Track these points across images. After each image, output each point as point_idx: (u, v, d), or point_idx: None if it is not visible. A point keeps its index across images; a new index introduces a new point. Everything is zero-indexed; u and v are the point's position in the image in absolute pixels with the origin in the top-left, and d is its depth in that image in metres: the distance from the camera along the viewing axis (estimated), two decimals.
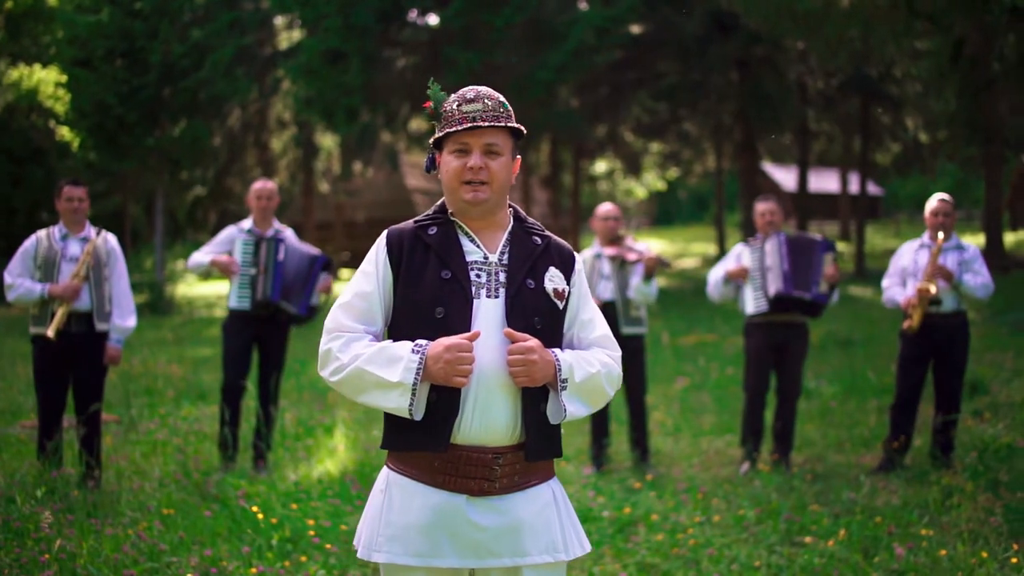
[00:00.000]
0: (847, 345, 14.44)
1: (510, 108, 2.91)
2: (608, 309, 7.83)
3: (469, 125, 2.81)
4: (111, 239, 6.95)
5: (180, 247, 32.00)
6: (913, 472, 7.33)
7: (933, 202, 7.67)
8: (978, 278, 7.46)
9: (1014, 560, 5.12)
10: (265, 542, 5.33)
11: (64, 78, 24.95)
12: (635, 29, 28.41)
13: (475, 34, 22.02)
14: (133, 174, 28.33)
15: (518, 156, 2.98)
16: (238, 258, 7.61)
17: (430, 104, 2.94)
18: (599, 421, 8.02)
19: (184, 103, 24.19)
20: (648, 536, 5.88)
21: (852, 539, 5.67)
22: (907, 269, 7.69)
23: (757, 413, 7.85)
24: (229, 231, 7.84)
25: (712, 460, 8.29)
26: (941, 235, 7.46)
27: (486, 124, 2.81)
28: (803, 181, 31.81)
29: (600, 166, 42.68)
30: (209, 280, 26.58)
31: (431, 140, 2.94)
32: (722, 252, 31.64)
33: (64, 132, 26.63)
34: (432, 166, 2.99)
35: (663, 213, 64.36)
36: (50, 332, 6.47)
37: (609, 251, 7.97)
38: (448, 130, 2.84)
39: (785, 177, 51.29)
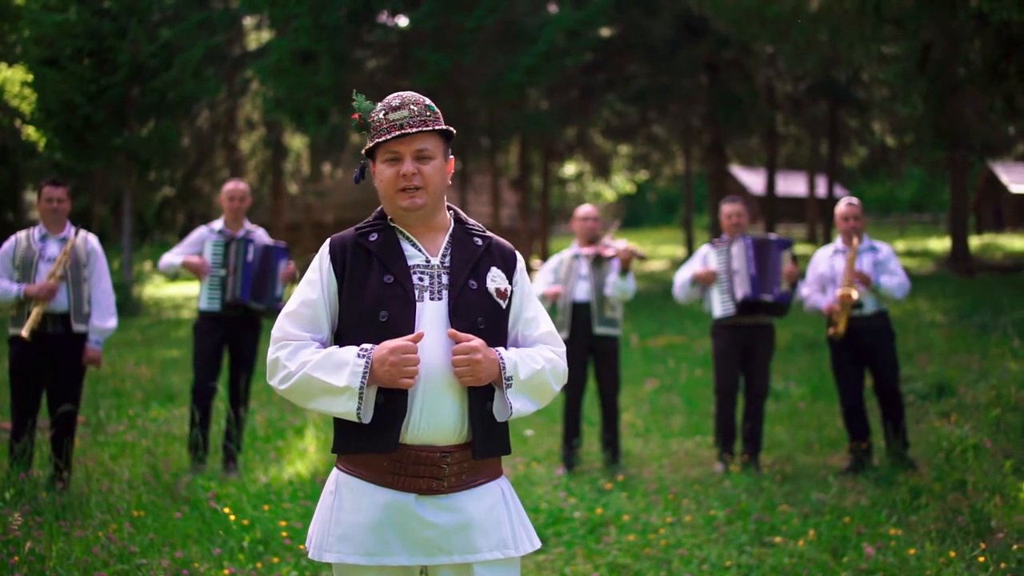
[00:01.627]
0: (814, 347, 14.52)
1: (437, 111, 2.94)
2: (583, 310, 7.87)
3: (397, 133, 2.84)
4: (92, 239, 6.90)
5: (148, 248, 31.83)
6: (881, 473, 7.40)
7: (842, 206, 7.83)
8: (894, 278, 7.63)
9: (981, 559, 5.18)
10: (236, 544, 5.31)
11: (30, 77, 24.63)
12: (605, 32, 28.48)
13: (445, 36, 21.99)
14: (100, 174, 28.11)
15: (451, 157, 3.01)
16: (208, 259, 7.59)
17: (357, 116, 2.96)
18: (570, 422, 8.05)
19: (152, 103, 23.98)
20: (619, 537, 5.91)
21: (821, 539, 5.72)
22: (825, 275, 7.85)
23: (728, 414, 7.90)
24: (200, 232, 7.81)
25: (682, 461, 8.33)
26: (856, 240, 7.61)
27: (414, 130, 2.85)
28: (771, 184, 32.03)
29: (569, 168, 42.74)
30: (177, 281, 26.41)
31: (363, 151, 2.97)
32: (690, 254, 31.79)
33: (30, 132, 26.32)
34: (362, 176, 3.02)
35: (632, 215, 64.55)
36: (24, 332, 6.41)
37: (586, 250, 8.01)
38: (378, 140, 2.87)
39: (753, 180, 51.59)
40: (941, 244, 32.71)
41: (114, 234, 33.83)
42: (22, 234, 6.76)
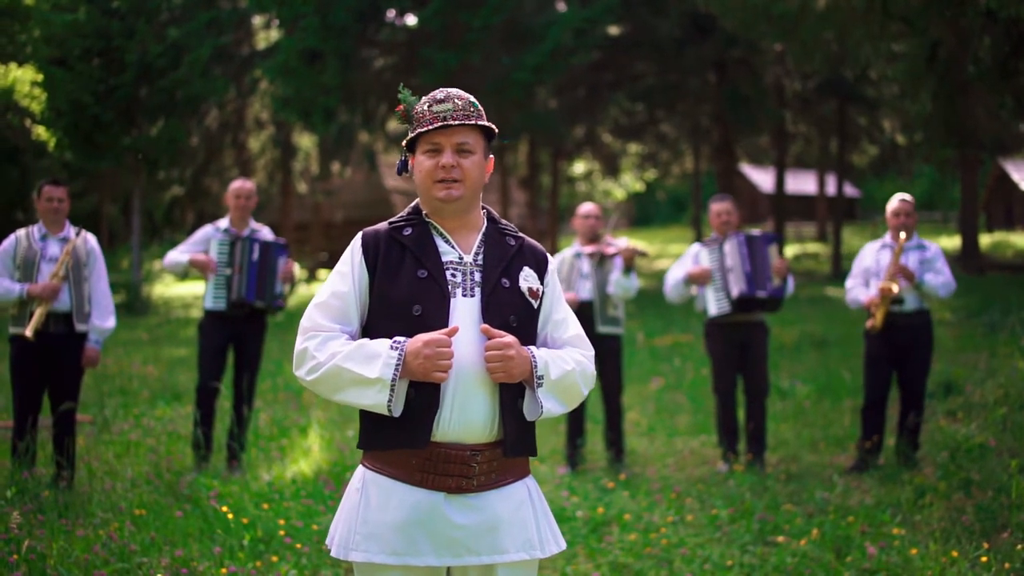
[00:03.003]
0: (822, 345, 14.50)
1: (481, 108, 2.93)
2: (585, 309, 7.85)
3: (440, 124, 2.83)
4: (91, 239, 6.91)
5: (157, 247, 31.81)
6: (886, 472, 7.37)
7: (894, 202, 7.75)
8: (939, 277, 7.54)
9: (984, 559, 5.15)
10: (237, 542, 5.30)
11: (40, 77, 24.72)
12: (612, 30, 28.46)
13: (452, 35, 21.98)
14: (110, 174, 28.16)
15: (491, 155, 3.00)
16: (214, 257, 7.58)
17: (402, 107, 2.96)
18: (574, 421, 8.03)
19: (161, 103, 24.03)
20: (621, 536, 5.89)
21: (825, 538, 5.70)
22: (870, 269, 7.76)
23: (729, 413, 7.87)
24: (205, 230, 7.81)
25: (686, 460, 8.31)
26: (903, 235, 7.54)
27: (456, 123, 2.84)
28: (780, 182, 31.94)
29: (578, 167, 42.71)
30: (186, 280, 26.46)
31: (404, 142, 2.96)
32: None
33: (40, 131, 26.40)
34: (404, 168, 3.00)
35: (641, 214, 64.49)
36: (28, 332, 6.43)
37: (588, 249, 7.99)
38: (420, 130, 2.86)
39: (763, 178, 51.53)
40: (951, 242, 32.59)
41: (124, 233, 33.96)
42: (21, 233, 6.77)
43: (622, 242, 7.95)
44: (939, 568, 5.08)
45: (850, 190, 49.82)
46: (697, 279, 7.83)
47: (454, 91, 2.91)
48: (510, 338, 2.77)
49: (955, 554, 5.21)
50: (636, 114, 32.67)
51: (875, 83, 28.63)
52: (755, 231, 8.12)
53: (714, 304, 7.79)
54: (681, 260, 8.12)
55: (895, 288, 7.39)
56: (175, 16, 25.10)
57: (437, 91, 2.92)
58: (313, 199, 36.87)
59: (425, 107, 2.88)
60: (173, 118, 24.37)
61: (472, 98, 2.92)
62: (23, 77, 28.47)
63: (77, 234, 6.80)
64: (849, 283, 7.90)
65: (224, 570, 4.85)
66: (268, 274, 7.63)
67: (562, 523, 6.10)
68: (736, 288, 7.65)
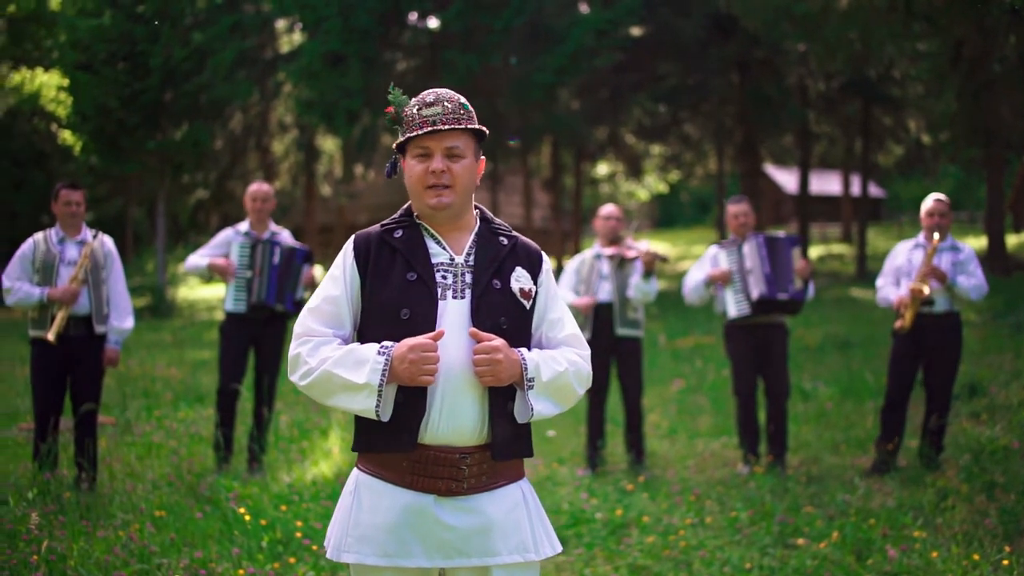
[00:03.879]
0: (845, 347, 14.43)
1: (471, 110, 2.90)
2: (605, 310, 7.83)
3: (429, 129, 2.81)
4: (108, 241, 6.96)
5: (182, 250, 32.03)
6: (908, 474, 7.32)
7: (929, 202, 7.66)
8: (972, 280, 7.44)
9: (1006, 563, 5.11)
10: (256, 544, 5.32)
11: (66, 82, 24.96)
12: (635, 31, 28.42)
13: (475, 37, 22.02)
14: (135, 177, 28.37)
15: (482, 157, 2.97)
16: (234, 260, 7.62)
17: (391, 109, 2.94)
18: (594, 423, 8.02)
19: (185, 106, 24.21)
20: (640, 538, 5.87)
21: (845, 541, 5.66)
22: (901, 269, 7.67)
23: (750, 415, 7.83)
24: (226, 233, 7.85)
25: (707, 462, 8.28)
26: (936, 236, 7.43)
27: (446, 127, 2.82)
28: (804, 183, 31.80)
29: (602, 169, 42.66)
30: (211, 283, 26.60)
31: (394, 145, 2.95)
32: None
33: (66, 136, 26.66)
34: (394, 171, 3.00)
35: (665, 216, 64.34)
36: (51, 336, 6.48)
37: (608, 251, 7.97)
38: (409, 135, 2.84)
39: (787, 179, 51.30)
40: (978, 243, 32.35)
41: (149, 236, 34.17)
42: (40, 236, 6.83)
43: (642, 246, 7.93)
44: (960, 571, 5.04)
45: (875, 190, 49.54)
46: (718, 280, 7.79)
47: (444, 93, 2.88)
48: (498, 341, 2.75)
49: (976, 557, 5.17)
50: (659, 115, 32.59)
51: (900, 82, 28.46)
52: (779, 233, 8.07)
53: (733, 306, 7.74)
54: (699, 262, 8.08)
55: (926, 290, 7.28)
56: (199, 20, 25.27)
57: (426, 93, 2.89)
58: (337, 202, 37.01)
59: (415, 110, 2.85)
60: (197, 122, 24.55)
61: (463, 99, 2.90)
62: (49, 82, 28.77)
63: (94, 237, 6.85)
64: (880, 282, 7.82)
65: (242, 571, 4.87)
66: (288, 277, 7.65)
67: (581, 525, 6.11)
68: (756, 290, 7.60)
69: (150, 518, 5.65)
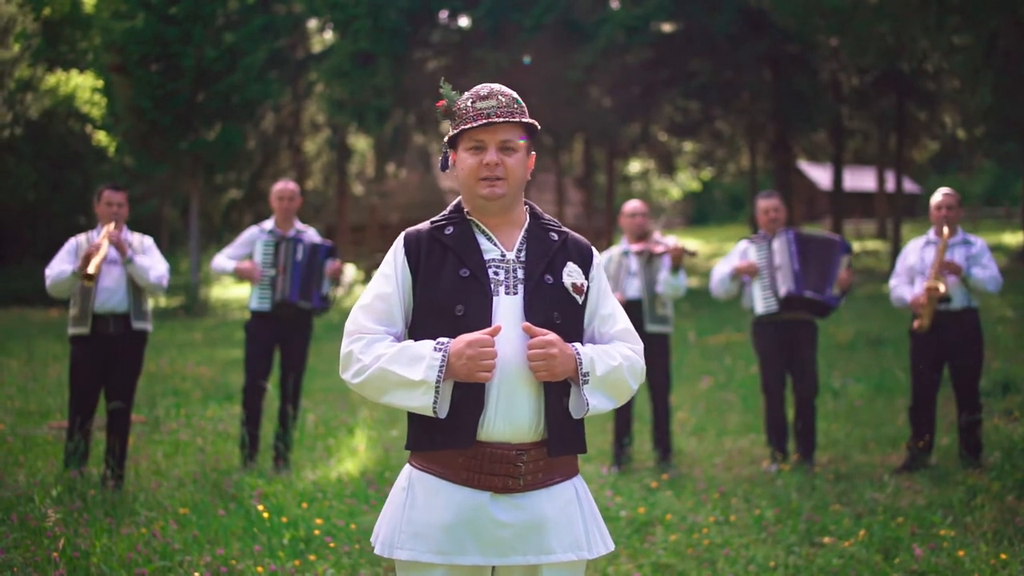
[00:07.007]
0: (878, 343, 14.29)
1: (524, 104, 2.91)
2: (634, 307, 7.78)
3: (484, 121, 2.81)
4: (147, 240, 7.05)
5: (215, 250, 32.27)
6: (939, 472, 7.21)
7: (938, 195, 7.56)
8: (987, 271, 7.31)
9: None
10: (278, 541, 5.33)
11: (100, 83, 25.22)
12: (665, 28, 28.29)
13: (504, 35, 22.02)
14: (168, 178, 28.60)
15: (533, 152, 2.98)
16: (258, 258, 7.65)
17: (444, 103, 2.94)
18: (622, 421, 7.97)
19: (218, 107, 24.37)
20: (664, 536, 5.83)
21: (872, 539, 5.59)
22: (914, 267, 7.55)
23: (777, 411, 7.75)
24: (251, 231, 7.88)
25: (735, 459, 8.21)
26: (947, 230, 7.33)
27: (500, 120, 2.82)
28: (838, 179, 31.55)
29: (634, 166, 42.53)
30: (243, 283, 26.75)
31: (446, 138, 2.94)
32: None
33: (100, 137, 26.92)
34: (447, 164, 2.99)
35: (698, 213, 64.06)
36: (91, 269, 6.34)
37: (636, 247, 7.92)
38: (463, 127, 2.84)
39: (820, 175, 50.93)
40: (1015, 238, 31.98)
41: (183, 236, 34.41)
42: (82, 237, 6.90)
43: (670, 241, 7.87)
44: (989, 571, 4.97)
45: (910, 186, 49.03)
46: (744, 272, 7.71)
47: (497, 87, 2.89)
48: (552, 336, 2.73)
49: (1005, 556, 5.10)
50: (691, 112, 32.42)
51: (934, 77, 28.16)
52: (835, 236, 7.97)
53: (761, 302, 7.67)
54: (728, 257, 8.02)
55: (942, 288, 7.16)
56: (231, 21, 25.43)
57: (480, 87, 2.89)
58: (369, 201, 37.13)
59: (468, 103, 2.86)
60: (229, 122, 24.69)
61: (515, 94, 2.90)
62: (83, 84, 29.07)
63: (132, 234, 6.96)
64: (893, 282, 7.72)
65: (262, 568, 4.88)
66: (313, 275, 7.67)
67: (605, 523, 6.05)
68: (784, 287, 7.53)
69: (174, 515, 5.67)
